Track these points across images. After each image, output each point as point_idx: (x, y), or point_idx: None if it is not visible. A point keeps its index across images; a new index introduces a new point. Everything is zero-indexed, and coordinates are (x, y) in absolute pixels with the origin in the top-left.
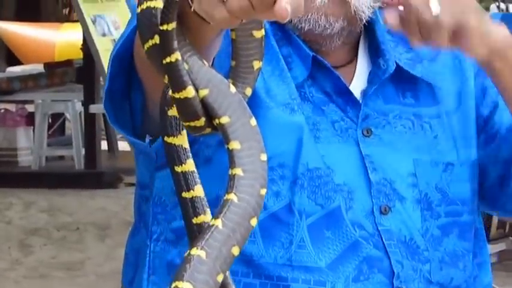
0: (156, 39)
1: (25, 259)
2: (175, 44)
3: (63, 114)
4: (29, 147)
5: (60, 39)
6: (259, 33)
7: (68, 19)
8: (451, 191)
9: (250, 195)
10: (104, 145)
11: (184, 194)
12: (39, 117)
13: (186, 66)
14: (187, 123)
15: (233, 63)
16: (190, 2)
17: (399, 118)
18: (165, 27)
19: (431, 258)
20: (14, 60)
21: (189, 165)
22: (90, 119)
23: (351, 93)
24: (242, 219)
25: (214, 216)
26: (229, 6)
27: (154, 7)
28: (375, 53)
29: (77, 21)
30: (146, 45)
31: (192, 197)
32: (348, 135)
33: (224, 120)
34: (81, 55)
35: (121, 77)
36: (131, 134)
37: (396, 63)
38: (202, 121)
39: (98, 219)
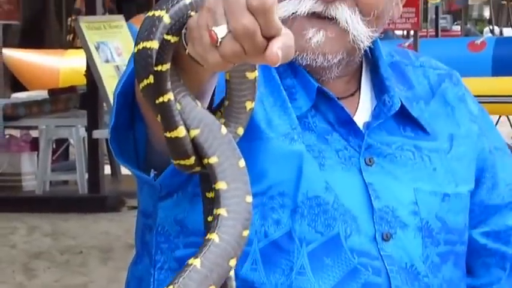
0: (151, 79)
1: (29, 282)
2: (169, 84)
3: (67, 139)
4: (33, 172)
5: (65, 65)
6: (252, 75)
7: (72, 46)
8: (448, 220)
9: (232, 236)
10: (107, 169)
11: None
12: (43, 143)
13: (179, 106)
14: (177, 162)
15: (226, 102)
16: (185, 45)
17: (401, 149)
18: (159, 68)
19: (431, 285)
20: (19, 87)
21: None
22: (93, 144)
23: (354, 123)
24: (221, 259)
25: (195, 255)
26: (222, 51)
27: (150, 47)
28: (379, 88)
29: (80, 47)
30: (141, 84)
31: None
32: (351, 164)
33: (213, 160)
34: (84, 81)
35: (125, 112)
36: (136, 167)
37: (400, 100)
38: (192, 160)
39: (101, 243)
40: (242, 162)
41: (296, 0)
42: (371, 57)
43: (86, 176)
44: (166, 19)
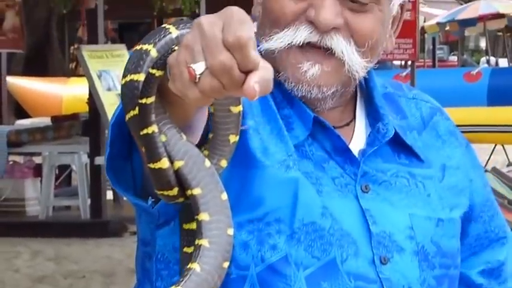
0: (137, 110)
1: None
2: (153, 117)
3: (69, 165)
4: (36, 198)
5: (67, 93)
6: (236, 109)
7: (74, 74)
8: (443, 245)
9: (212, 266)
10: (109, 195)
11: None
12: (46, 169)
13: (164, 138)
14: (161, 192)
15: (211, 135)
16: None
17: (396, 176)
18: (144, 100)
19: None
20: (23, 113)
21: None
22: (95, 171)
23: (350, 151)
24: None
25: (175, 284)
26: (201, 87)
27: (137, 80)
28: (373, 116)
29: (83, 75)
30: (128, 116)
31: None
32: (347, 190)
33: (196, 191)
34: (87, 109)
35: (121, 142)
36: (133, 195)
37: (395, 128)
38: (175, 191)
39: (103, 267)
40: (224, 195)
41: (292, 31)
42: (365, 87)
43: (88, 201)
44: (154, 53)
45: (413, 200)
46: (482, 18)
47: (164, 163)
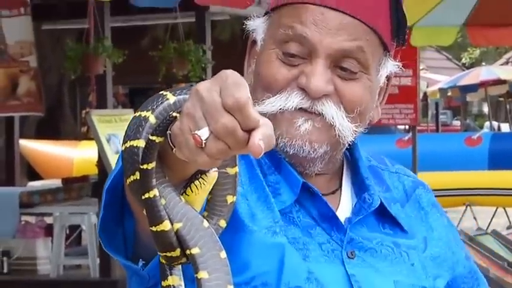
0: (137, 175)
1: None
2: (154, 181)
3: (79, 225)
4: (47, 257)
5: (78, 156)
6: (233, 170)
7: (86, 137)
8: None
9: None
10: None
11: None
12: (57, 229)
13: (163, 201)
14: (164, 254)
15: (209, 196)
16: (172, 146)
17: (381, 245)
18: (145, 166)
19: None
20: (35, 175)
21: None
22: None
23: (336, 218)
24: None
25: None
26: (208, 151)
27: (137, 146)
28: (359, 187)
29: (93, 139)
30: (128, 180)
31: None
32: (334, 256)
33: (195, 251)
34: (96, 171)
35: (114, 206)
36: (124, 257)
37: (380, 199)
38: (177, 252)
39: None
40: (223, 254)
41: (284, 96)
42: (351, 159)
43: (98, 260)
44: (152, 119)
45: (398, 267)
46: (483, 84)
47: (166, 225)
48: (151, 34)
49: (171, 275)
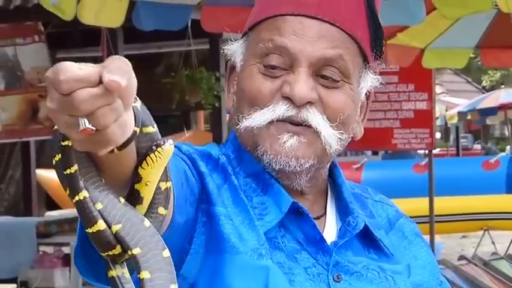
0: (68, 175)
1: None
2: (81, 183)
3: None
4: (65, 287)
5: None
6: (164, 185)
7: None
8: None
9: None
10: None
11: None
12: None
13: (101, 206)
14: (106, 253)
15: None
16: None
17: (367, 269)
18: (68, 171)
19: None
20: (53, 205)
21: None
22: None
23: (323, 241)
24: None
25: None
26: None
27: (57, 160)
28: (344, 211)
29: None
30: (63, 184)
31: None
32: (320, 280)
33: (136, 251)
34: None
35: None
36: (101, 282)
37: (364, 221)
38: (118, 248)
39: None
40: (166, 253)
41: (270, 108)
42: (334, 186)
43: None
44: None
45: None
46: (503, 107)
47: (101, 225)
48: (165, 61)
49: (114, 268)
